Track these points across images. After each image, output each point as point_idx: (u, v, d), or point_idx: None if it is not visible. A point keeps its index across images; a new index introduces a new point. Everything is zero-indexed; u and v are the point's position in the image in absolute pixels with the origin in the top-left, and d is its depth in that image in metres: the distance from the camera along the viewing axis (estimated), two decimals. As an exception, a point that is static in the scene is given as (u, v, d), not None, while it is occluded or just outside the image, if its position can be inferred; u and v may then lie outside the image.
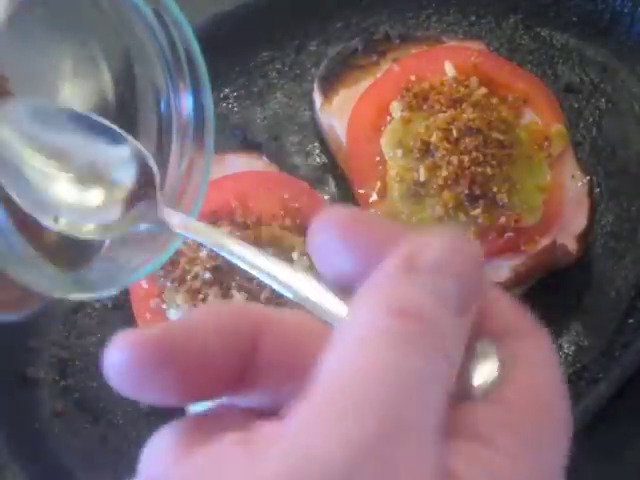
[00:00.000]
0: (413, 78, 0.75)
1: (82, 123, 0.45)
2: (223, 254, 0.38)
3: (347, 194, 0.77)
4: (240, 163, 0.77)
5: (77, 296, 0.50)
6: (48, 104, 0.46)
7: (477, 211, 0.69)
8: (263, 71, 0.85)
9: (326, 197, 0.78)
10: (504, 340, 0.31)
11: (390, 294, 0.29)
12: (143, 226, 0.43)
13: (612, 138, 0.78)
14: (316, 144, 0.82)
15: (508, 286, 0.70)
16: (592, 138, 0.79)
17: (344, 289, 0.31)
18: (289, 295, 0.33)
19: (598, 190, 0.76)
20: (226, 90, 0.85)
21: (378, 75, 0.78)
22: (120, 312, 0.75)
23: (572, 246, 0.70)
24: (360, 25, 0.86)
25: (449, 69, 0.75)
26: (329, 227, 0.31)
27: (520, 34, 0.84)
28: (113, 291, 0.46)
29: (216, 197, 0.71)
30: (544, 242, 0.70)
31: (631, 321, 0.70)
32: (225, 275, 0.66)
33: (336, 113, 0.78)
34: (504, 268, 0.70)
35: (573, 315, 0.72)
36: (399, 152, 0.72)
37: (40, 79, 0.47)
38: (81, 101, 0.48)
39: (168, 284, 0.68)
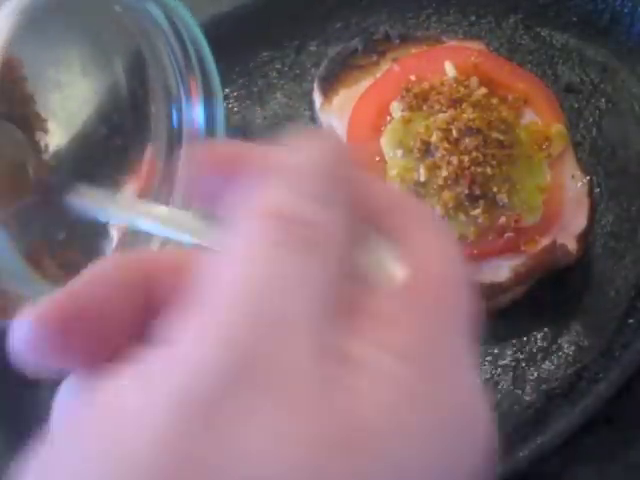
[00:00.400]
0: (413, 78, 0.75)
1: None
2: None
3: (347, 194, 0.77)
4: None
5: None
6: None
7: (477, 211, 0.69)
8: (263, 71, 0.85)
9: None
10: (389, 223, 0.31)
11: (264, 202, 0.29)
12: None
13: (612, 138, 0.78)
14: (316, 144, 0.82)
15: (508, 286, 0.70)
16: (592, 138, 0.79)
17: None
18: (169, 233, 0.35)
19: (598, 190, 0.76)
20: (226, 90, 0.85)
21: (378, 75, 0.78)
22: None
23: (572, 246, 0.70)
24: (360, 25, 0.86)
25: (449, 69, 0.75)
26: (209, 164, 0.32)
27: (520, 34, 0.84)
28: None
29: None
30: (544, 242, 0.70)
31: (631, 321, 0.70)
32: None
33: (336, 113, 0.78)
34: (504, 268, 0.70)
35: (573, 315, 0.72)
36: (399, 152, 0.72)
37: (54, 74, 0.47)
38: (94, 98, 0.48)
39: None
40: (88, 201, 0.42)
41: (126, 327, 0.32)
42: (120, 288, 0.31)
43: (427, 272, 0.30)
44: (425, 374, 0.29)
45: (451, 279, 0.31)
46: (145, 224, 0.37)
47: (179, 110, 0.49)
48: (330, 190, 0.30)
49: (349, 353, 0.28)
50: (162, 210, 0.37)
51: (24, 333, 0.31)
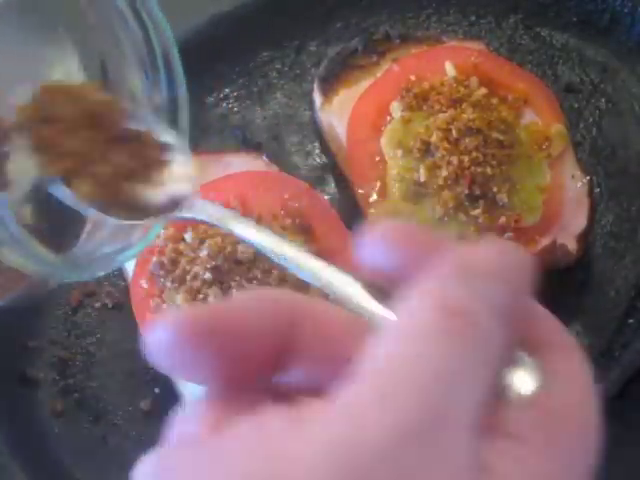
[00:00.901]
0: (413, 78, 0.75)
1: None
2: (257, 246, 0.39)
3: (347, 194, 0.77)
4: (240, 163, 0.77)
5: (63, 277, 0.50)
6: None
7: (477, 211, 0.69)
8: (263, 71, 0.85)
9: (326, 197, 0.78)
10: (543, 352, 0.32)
11: (441, 294, 0.30)
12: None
13: (612, 138, 0.78)
14: (316, 144, 0.82)
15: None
16: (592, 138, 0.79)
17: (381, 289, 0.33)
18: (330, 292, 0.35)
19: (598, 190, 0.76)
20: (226, 90, 0.85)
21: (378, 75, 0.78)
22: (120, 312, 0.75)
23: (572, 246, 0.70)
24: (360, 25, 0.86)
25: (449, 69, 0.75)
26: (377, 234, 0.33)
27: (520, 34, 0.84)
28: (98, 273, 0.46)
29: (216, 197, 0.71)
30: (544, 242, 0.70)
31: (631, 321, 0.70)
32: (225, 275, 0.66)
33: (336, 113, 0.78)
34: (504, 268, 0.69)
35: (573, 315, 0.72)
36: (399, 152, 0.72)
37: (16, 67, 0.47)
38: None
39: (168, 284, 0.68)
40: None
41: (263, 355, 0.32)
42: (266, 321, 0.32)
43: (568, 411, 0.31)
44: None
45: (588, 425, 0.31)
46: (304, 274, 0.38)
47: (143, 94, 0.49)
48: (513, 306, 0.31)
49: (492, 466, 0.28)
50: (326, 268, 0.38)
51: (161, 335, 0.31)
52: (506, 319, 0.31)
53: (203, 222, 0.45)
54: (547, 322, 0.34)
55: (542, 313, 0.34)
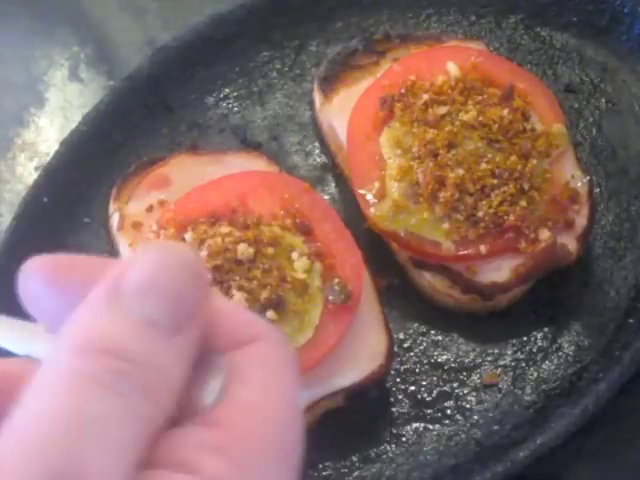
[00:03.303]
0: (413, 78, 0.75)
1: None
2: None
3: (347, 194, 0.77)
4: (240, 163, 0.77)
5: None
6: None
7: (477, 211, 0.69)
8: (263, 71, 0.85)
9: (326, 197, 0.78)
10: (231, 351, 0.30)
11: (87, 330, 0.28)
12: None
13: (612, 138, 0.78)
14: (316, 144, 0.82)
15: (508, 286, 0.70)
16: (592, 138, 0.79)
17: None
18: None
19: (598, 190, 0.76)
20: (226, 90, 0.85)
21: (378, 75, 0.78)
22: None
23: (572, 246, 0.70)
24: (360, 25, 0.86)
25: (452, 69, 0.74)
26: (34, 275, 0.31)
27: (520, 34, 0.84)
28: None
29: (216, 197, 0.71)
30: (544, 242, 0.70)
31: (631, 321, 0.70)
32: (225, 275, 0.66)
33: (336, 113, 0.78)
34: (504, 268, 0.70)
35: (573, 315, 0.72)
36: (399, 152, 0.72)
37: None
38: None
39: (168, 284, 0.68)
40: None
41: None
42: None
43: (244, 420, 0.29)
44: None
45: (270, 429, 0.29)
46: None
47: None
48: (181, 315, 0.29)
49: (168, 463, 0.27)
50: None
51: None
52: (174, 330, 0.29)
53: None
54: (232, 319, 0.31)
55: (227, 310, 0.31)
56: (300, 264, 0.67)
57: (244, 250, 0.66)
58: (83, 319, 0.29)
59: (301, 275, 0.67)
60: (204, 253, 0.67)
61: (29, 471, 0.26)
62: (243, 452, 0.28)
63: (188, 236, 0.69)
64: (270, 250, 0.66)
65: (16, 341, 0.32)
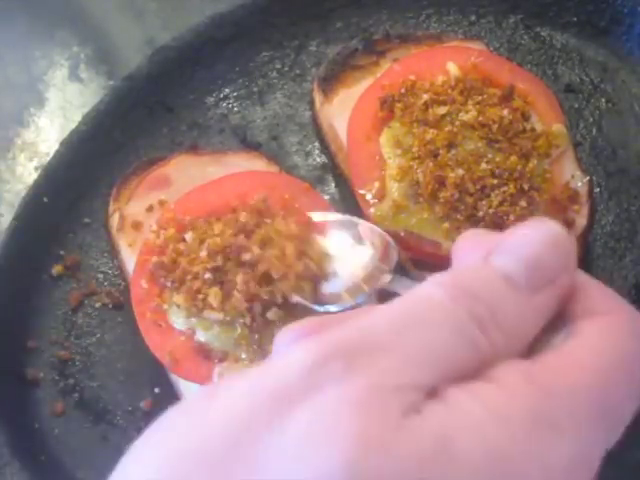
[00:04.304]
0: (413, 78, 0.75)
1: None
2: None
3: (347, 194, 0.77)
4: (240, 163, 0.77)
5: None
6: None
7: (478, 211, 0.69)
8: (263, 71, 0.85)
9: (326, 197, 0.78)
10: (585, 318, 0.35)
11: (463, 278, 0.35)
12: None
13: (612, 138, 0.78)
14: (316, 144, 0.82)
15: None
16: (592, 138, 0.79)
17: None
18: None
19: (598, 190, 0.76)
20: (226, 90, 0.85)
21: (378, 75, 0.78)
22: (120, 312, 0.75)
23: (572, 246, 0.70)
24: (360, 25, 0.86)
25: (452, 69, 0.74)
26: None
27: (520, 34, 0.84)
28: None
29: (216, 197, 0.71)
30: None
31: (631, 321, 0.70)
32: (225, 275, 0.66)
33: (336, 113, 0.78)
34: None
35: (573, 315, 0.72)
36: (399, 152, 0.72)
37: None
38: None
39: (168, 284, 0.68)
40: None
41: None
42: None
43: (564, 363, 0.33)
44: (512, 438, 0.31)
45: (578, 380, 0.33)
46: None
47: None
48: (540, 277, 0.35)
49: (442, 394, 0.31)
50: None
51: None
52: (529, 290, 0.34)
53: None
54: (592, 291, 0.36)
55: (590, 283, 0.37)
56: (300, 264, 0.67)
57: (244, 250, 0.66)
58: (464, 269, 0.36)
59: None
60: (204, 253, 0.67)
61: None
62: (554, 384, 0.32)
63: (188, 236, 0.69)
64: (270, 250, 0.66)
65: None
